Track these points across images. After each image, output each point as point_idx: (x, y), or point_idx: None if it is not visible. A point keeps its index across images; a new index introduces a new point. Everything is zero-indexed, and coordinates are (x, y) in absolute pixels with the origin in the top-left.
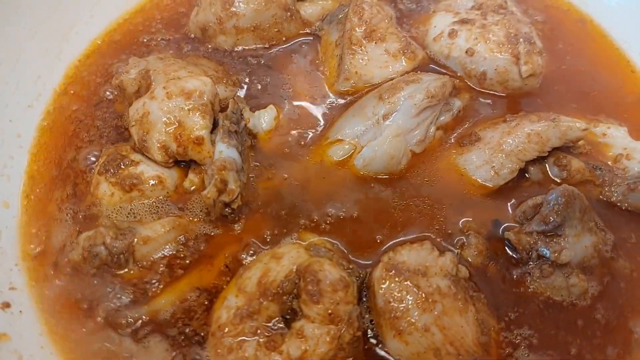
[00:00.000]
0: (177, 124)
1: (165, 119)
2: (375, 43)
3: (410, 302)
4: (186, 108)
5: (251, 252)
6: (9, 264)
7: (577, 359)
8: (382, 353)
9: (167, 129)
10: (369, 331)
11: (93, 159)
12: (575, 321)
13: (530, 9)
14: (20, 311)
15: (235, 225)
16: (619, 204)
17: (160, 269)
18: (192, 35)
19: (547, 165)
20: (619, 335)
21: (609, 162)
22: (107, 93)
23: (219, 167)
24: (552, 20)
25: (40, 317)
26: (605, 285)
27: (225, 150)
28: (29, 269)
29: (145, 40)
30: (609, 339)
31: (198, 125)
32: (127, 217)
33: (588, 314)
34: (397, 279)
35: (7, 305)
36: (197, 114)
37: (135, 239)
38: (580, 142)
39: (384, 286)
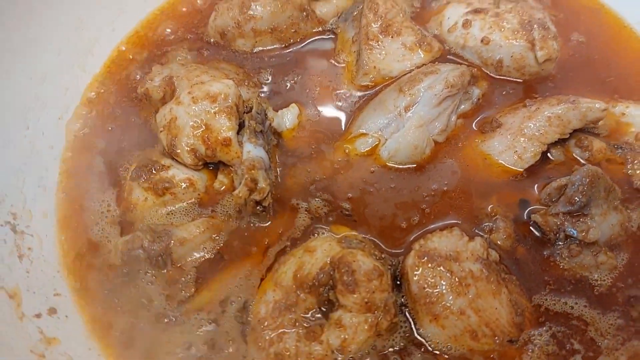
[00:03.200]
0: (204, 127)
1: (192, 122)
2: (392, 37)
3: (444, 287)
4: (212, 111)
5: (285, 246)
6: (51, 271)
7: (616, 329)
8: (420, 339)
9: (195, 133)
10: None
11: (123, 165)
12: (608, 293)
13: None
14: (66, 316)
15: (267, 222)
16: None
17: (198, 267)
18: (212, 40)
19: (569, 146)
20: None
21: (630, 140)
22: (132, 101)
23: (249, 167)
24: (566, 7)
25: (85, 321)
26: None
27: (253, 150)
28: (70, 275)
29: (165, 47)
30: None
31: (225, 127)
32: (161, 220)
33: (619, 286)
34: (429, 265)
35: (53, 311)
36: (223, 116)
37: (172, 241)
38: (601, 123)
39: (417, 273)
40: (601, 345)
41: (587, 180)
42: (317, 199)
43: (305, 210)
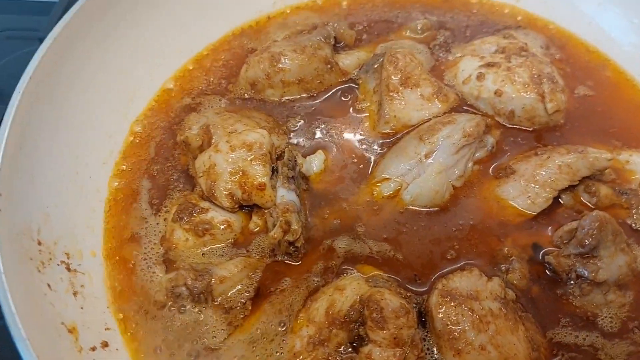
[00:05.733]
0: (241, 173)
1: (230, 169)
2: (411, 89)
3: (466, 324)
4: (248, 159)
5: (315, 284)
6: (102, 307)
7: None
8: None
9: (233, 178)
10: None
11: (166, 207)
12: (618, 328)
13: (552, 48)
14: (117, 349)
15: (299, 262)
16: None
17: (237, 304)
18: (242, 90)
19: (578, 192)
20: None
21: (634, 187)
22: (171, 147)
23: (283, 210)
24: (573, 62)
25: (132, 354)
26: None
27: (286, 194)
28: (117, 310)
29: (200, 96)
30: None
31: (260, 173)
32: (200, 258)
33: (628, 321)
34: (452, 304)
35: (106, 344)
36: (259, 163)
37: (213, 279)
38: (607, 170)
39: (441, 311)
40: None
41: (596, 224)
42: (344, 239)
43: (334, 250)
